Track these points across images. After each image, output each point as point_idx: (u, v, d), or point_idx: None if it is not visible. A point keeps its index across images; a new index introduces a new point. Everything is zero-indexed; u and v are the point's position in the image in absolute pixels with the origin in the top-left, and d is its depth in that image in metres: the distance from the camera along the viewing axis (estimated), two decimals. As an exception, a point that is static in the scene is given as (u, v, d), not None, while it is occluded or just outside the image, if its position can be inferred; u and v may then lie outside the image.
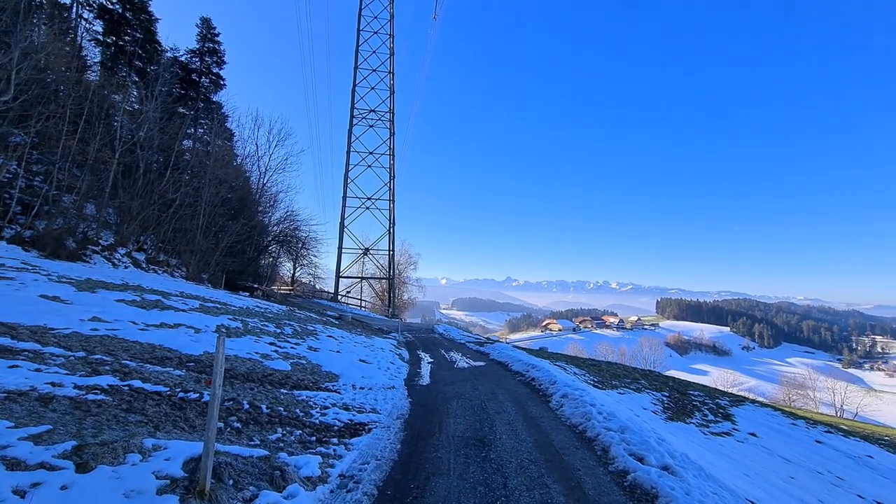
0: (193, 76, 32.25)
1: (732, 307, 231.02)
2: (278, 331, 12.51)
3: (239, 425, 5.29)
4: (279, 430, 5.52)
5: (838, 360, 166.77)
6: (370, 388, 8.97)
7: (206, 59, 32.94)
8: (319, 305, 35.13)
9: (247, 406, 5.97)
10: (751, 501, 4.75)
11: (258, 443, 4.94)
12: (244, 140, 33.86)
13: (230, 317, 12.12)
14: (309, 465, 4.61)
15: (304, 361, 9.81)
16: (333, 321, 22.31)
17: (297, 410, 6.43)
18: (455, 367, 13.35)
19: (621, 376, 16.66)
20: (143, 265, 20.58)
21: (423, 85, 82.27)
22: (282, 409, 6.28)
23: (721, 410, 13.93)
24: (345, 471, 4.85)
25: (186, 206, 23.67)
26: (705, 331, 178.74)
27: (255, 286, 29.50)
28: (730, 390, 37.63)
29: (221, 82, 33.78)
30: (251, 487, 3.84)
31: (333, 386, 8.54)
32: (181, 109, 27.69)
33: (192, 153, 28.62)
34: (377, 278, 49.37)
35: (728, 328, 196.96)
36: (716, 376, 75.97)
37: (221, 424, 5.13)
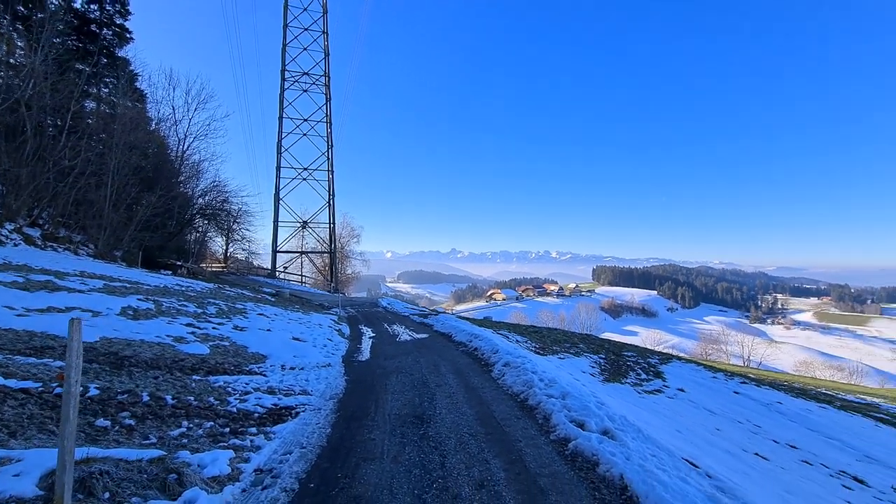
0: (93, 27, 28.00)
1: (659, 272, 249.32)
2: (199, 311, 11.34)
3: (132, 422, 4.50)
4: (185, 423, 4.78)
5: (746, 316, 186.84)
6: (302, 368, 8.30)
7: (107, 7, 28.59)
8: (255, 282, 33.15)
9: (146, 398, 5.14)
10: (686, 459, 4.77)
11: (154, 441, 4.20)
12: (157, 102, 30.23)
13: (140, 297, 10.77)
14: (217, 462, 3.97)
15: (226, 343, 8.90)
16: (269, 298, 20.99)
17: (211, 399, 5.68)
18: (397, 340, 12.93)
19: (561, 341, 17.12)
20: (39, 242, 18.01)
21: (360, 50, 78.25)
22: (192, 398, 5.51)
23: (652, 369, 14.70)
24: (262, 464, 4.27)
25: (90, 175, 20.83)
26: (636, 295, 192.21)
27: (179, 263, 27.07)
28: (657, 348, 40.77)
29: (128, 35, 29.59)
30: (135, 499, 3.17)
31: (259, 368, 7.78)
32: (78, 65, 23.97)
33: (95, 115, 25.14)
34: (318, 252, 47.40)
35: (656, 292, 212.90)
36: (644, 336, 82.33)
37: (108, 423, 4.32)
